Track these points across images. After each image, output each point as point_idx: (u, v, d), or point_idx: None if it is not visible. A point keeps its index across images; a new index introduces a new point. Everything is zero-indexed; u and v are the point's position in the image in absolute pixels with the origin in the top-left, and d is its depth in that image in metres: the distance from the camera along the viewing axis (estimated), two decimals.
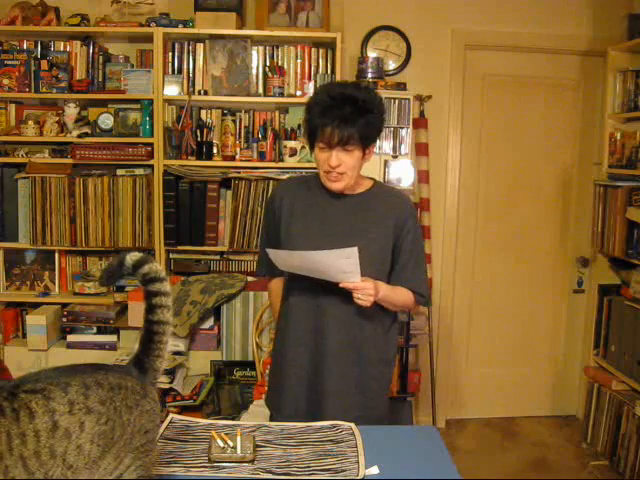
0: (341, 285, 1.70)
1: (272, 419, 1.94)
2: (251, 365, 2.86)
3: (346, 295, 1.74)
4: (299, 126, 3.06)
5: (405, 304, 1.92)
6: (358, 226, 1.82)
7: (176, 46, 3.05)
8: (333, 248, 1.64)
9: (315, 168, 3.01)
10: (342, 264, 1.65)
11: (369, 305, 1.72)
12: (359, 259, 1.64)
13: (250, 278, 3.03)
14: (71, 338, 2.92)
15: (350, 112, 1.69)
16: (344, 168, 1.75)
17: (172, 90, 3.00)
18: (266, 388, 2.10)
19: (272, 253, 1.77)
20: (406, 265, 1.86)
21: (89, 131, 3.00)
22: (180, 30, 2.97)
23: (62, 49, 3.04)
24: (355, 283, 1.69)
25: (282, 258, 1.77)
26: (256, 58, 3.08)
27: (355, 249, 1.62)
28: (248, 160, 3.05)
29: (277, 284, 2.03)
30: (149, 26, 2.95)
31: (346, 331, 1.83)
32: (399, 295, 1.86)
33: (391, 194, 1.95)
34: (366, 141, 1.75)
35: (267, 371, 2.53)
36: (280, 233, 1.88)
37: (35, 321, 2.87)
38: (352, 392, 1.86)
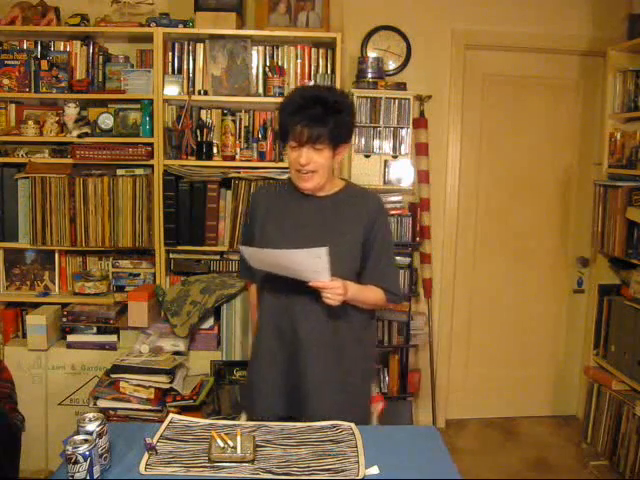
0: (310, 284, 1.72)
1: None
2: None
3: (318, 294, 1.76)
4: None
5: (376, 303, 1.93)
6: (331, 226, 1.86)
7: (176, 46, 3.05)
8: (306, 248, 1.66)
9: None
10: (312, 263, 1.67)
11: (337, 304, 1.74)
12: (331, 258, 1.66)
13: None
14: (71, 338, 2.92)
15: (320, 112, 1.74)
16: (314, 166, 1.79)
17: (172, 90, 3.00)
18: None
19: (245, 250, 1.81)
20: (377, 263, 1.89)
21: (89, 131, 3.00)
22: (180, 30, 2.97)
23: (62, 49, 3.03)
24: (324, 282, 1.71)
25: (254, 256, 1.80)
26: (256, 58, 3.08)
27: (325, 249, 1.63)
28: (248, 160, 3.05)
29: (255, 290, 2.07)
30: (149, 26, 2.95)
31: (320, 329, 1.84)
32: (369, 294, 1.88)
33: (362, 194, 1.99)
34: (336, 141, 1.79)
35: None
36: (255, 236, 1.92)
37: (35, 321, 2.86)
38: (333, 391, 1.86)
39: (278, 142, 3.01)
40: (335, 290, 1.72)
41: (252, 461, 1.47)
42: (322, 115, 1.74)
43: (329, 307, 1.77)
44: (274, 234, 1.87)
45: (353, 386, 1.91)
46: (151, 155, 2.97)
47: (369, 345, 2.00)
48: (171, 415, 1.73)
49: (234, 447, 1.49)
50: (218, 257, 3.10)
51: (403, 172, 3.20)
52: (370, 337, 2.01)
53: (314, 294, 1.75)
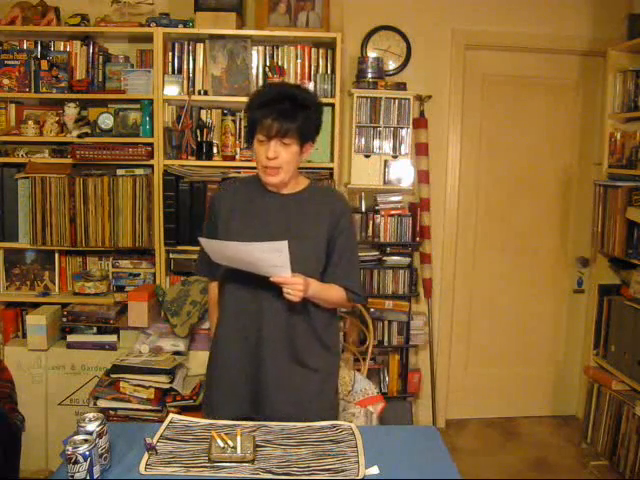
0: (271, 279, 1.71)
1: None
2: None
3: (280, 290, 1.74)
4: None
5: (338, 302, 1.93)
6: (294, 225, 1.85)
7: (176, 46, 3.05)
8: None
9: (315, 168, 3.03)
10: (272, 257, 1.66)
11: (298, 300, 1.73)
12: (294, 257, 1.65)
13: None
14: (71, 338, 2.91)
15: (289, 107, 1.75)
16: (280, 161, 1.78)
17: (172, 90, 3.00)
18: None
19: (205, 243, 1.79)
20: (339, 263, 1.88)
21: (89, 131, 3.00)
22: (180, 30, 2.97)
23: (62, 49, 3.03)
24: (285, 278, 1.70)
25: (214, 249, 1.79)
26: (256, 58, 3.08)
27: (285, 243, 1.62)
28: (248, 160, 3.05)
29: (217, 288, 2.02)
30: (149, 26, 2.95)
31: (283, 328, 1.83)
32: (331, 292, 1.87)
33: (327, 193, 2.01)
34: (304, 137, 1.80)
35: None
36: (218, 232, 1.89)
37: (35, 321, 2.86)
38: (291, 389, 1.85)
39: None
40: (296, 286, 1.71)
41: (252, 461, 1.47)
42: (291, 110, 1.75)
43: (291, 305, 1.77)
44: (239, 232, 1.84)
45: (313, 385, 1.89)
46: (151, 155, 2.97)
47: (331, 344, 1.98)
48: (171, 415, 1.73)
49: (234, 447, 1.49)
50: None
51: (403, 172, 3.20)
52: (332, 336, 1.99)
53: (278, 290, 1.74)
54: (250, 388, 1.86)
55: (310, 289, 1.76)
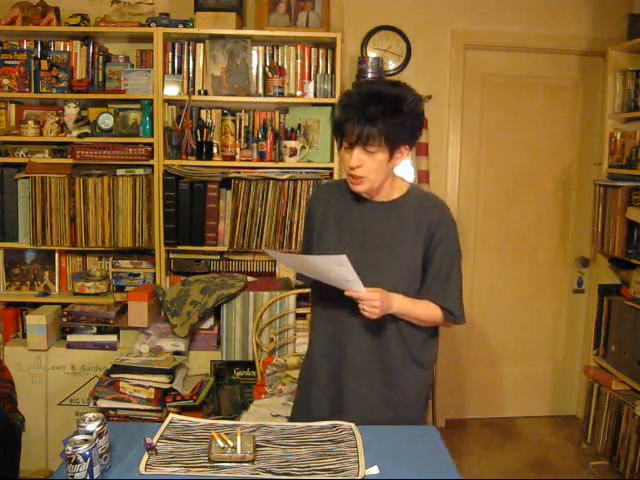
0: (346, 294, 1.60)
1: None
2: (251, 365, 2.86)
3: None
4: (299, 126, 3.06)
5: (431, 321, 1.77)
6: (388, 234, 1.71)
7: (176, 46, 3.04)
8: (365, 258, 1.54)
9: (315, 168, 3.03)
10: (338, 271, 1.54)
11: (375, 317, 1.61)
12: (385, 268, 1.58)
13: (250, 278, 3.03)
14: (71, 338, 2.92)
15: (374, 110, 1.56)
16: (363, 171, 1.62)
17: (172, 90, 3.00)
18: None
19: (272, 254, 1.76)
20: (435, 277, 1.72)
21: (89, 131, 3.00)
22: (180, 30, 2.97)
23: (62, 49, 3.03)
24: (359, 293, 1.58)
25: (286, 261, 1.75)
26: (256, 58, 3.08)
27: (344, 256, 1.49)
28: (248, 160, 3.05)
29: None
30: (149, 26, 2.95)
31: (367, 344, 1.73)
32: (422, 310, 1.72)
33: (426, 201, 1.78)
34: (392, 143, 1.60)
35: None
36: (313, 240, 1.80)
37: (35, 321, 2.86)
38: (374, 409, 1.76)
39: (278, 142, 3.01)
40: (371, 302, 1.58)
41: (252, 461, 1.47)
42: (375, 113, 1.55)
43: (376, 322, 1.65)
44: (332, 243, 1.73)
45: (400, 408, 1.77)
46: (151, 155, 2.97)
47: (427, 361, 1.83)
48: (171, 415, 1.73)
49: (234, 447, 1.49)
50: (218, 257, 3.10)
51: (403, 172, 3.19)
52: (429, 354, 1.84)
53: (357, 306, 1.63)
54: (329, 406, 1.78)
55: (395, 305, 1.64)
